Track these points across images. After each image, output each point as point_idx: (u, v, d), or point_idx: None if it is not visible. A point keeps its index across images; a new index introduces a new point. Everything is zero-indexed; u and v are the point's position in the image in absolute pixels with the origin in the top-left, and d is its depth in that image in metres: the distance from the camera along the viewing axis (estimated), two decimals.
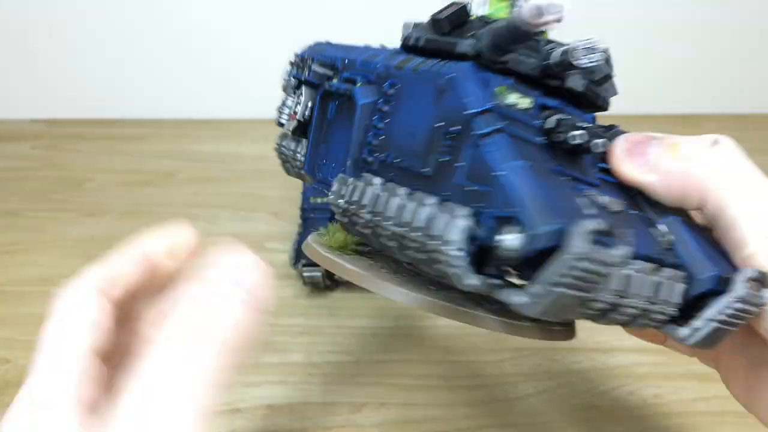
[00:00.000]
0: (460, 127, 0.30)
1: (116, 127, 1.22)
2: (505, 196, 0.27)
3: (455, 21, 0.33)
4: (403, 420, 0.56)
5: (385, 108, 0.34)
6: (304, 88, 0.41)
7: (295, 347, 0.64)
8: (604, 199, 0.31)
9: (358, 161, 0.35)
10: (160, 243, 0.36)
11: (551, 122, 0.32)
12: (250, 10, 1.19)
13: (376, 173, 0.34)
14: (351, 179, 0.34)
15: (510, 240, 0.26)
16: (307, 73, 0.40)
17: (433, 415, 0.57)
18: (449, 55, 0.33)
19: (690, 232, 0.33)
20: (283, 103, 0.43)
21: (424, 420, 0.56)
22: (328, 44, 0.44)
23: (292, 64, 0.44)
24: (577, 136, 0.30)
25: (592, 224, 0.25)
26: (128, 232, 0.36)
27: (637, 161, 0.33)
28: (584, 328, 0.67)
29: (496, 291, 0.28)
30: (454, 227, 0.28)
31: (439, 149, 0.30)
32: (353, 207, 0.33)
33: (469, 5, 0.35)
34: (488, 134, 0.29)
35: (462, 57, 0.32)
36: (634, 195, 0.34)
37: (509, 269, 0.28)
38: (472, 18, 0.35)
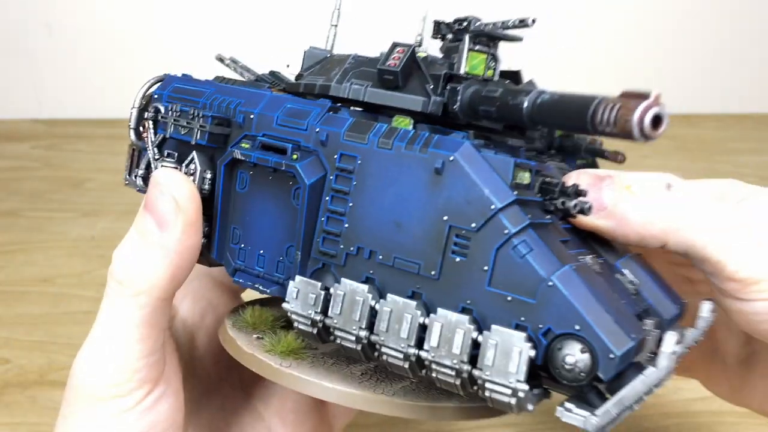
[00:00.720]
0: (478, 223, 0.26)
1: (116, 127, 1.21)
2: (562, 310, 0.25)
3: (408, 73, 0.30)
4: (403, 420, 0.56)
5: (343, 187, 0.29)
6: (196, 154, 0.33)
7: None
8: (586, 260, 0.29)
9: (311, 253, 0.30)
10: None
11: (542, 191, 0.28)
12: (250, 11, 1.19)
13: (342, 269, 0.29)
14: (319, 284, 0.29)
15: (582, 361, 0.24)
16: (198, 134, 0.32)
17: None
18: (400, 110, 0.30)
19: (644, 270, 0.31)
20: (150, 167, 0.34)
21: (424, 420, 0.56)
22: (190, 81, 0.36)
23: (148, 112, 0.35)
24: (578, 204, 0.28)
25: (677, 339, 0.25)
26: (128, 233, 0.36)
27: (594, 207, 0.30)
28: None
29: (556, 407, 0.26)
30: (517, 359, 0.25)
31: (449, 248, 0.27)
32: (333, 320, 0.29)
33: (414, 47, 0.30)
34: (519, 232, 0.26)
35: (419, 115, 0.29)
36: (585, 236, 0.31)
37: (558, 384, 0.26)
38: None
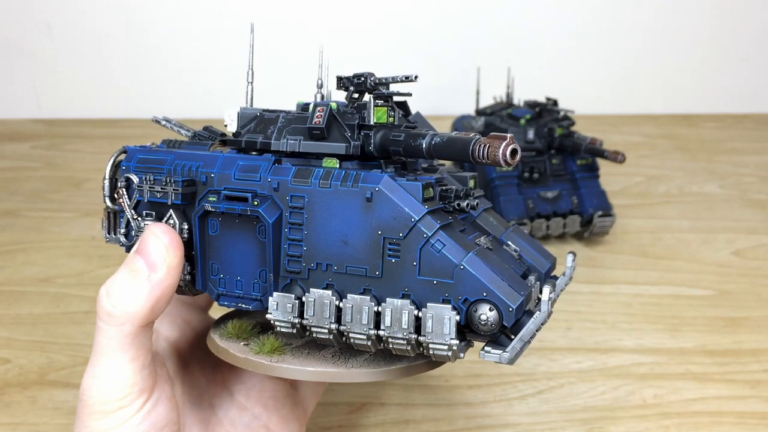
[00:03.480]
0: (404, 233, 0.35)
1: (116, 127, 1.22)
2: (472, 284, 0.34)
3: (330, 126, 0.38)
4: (403, 420, 0.56)
5: (297, 220, 0.37)
6: (172, 211, 0.40)
7: None
8: (481, 240, 0.39)
9: (281, 273, 0.38)
10: None
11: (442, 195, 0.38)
12: (250, 12, 1.19)
13: (306, 281, 0.38)
14: (292, 296, 0.37)
15: (492, 317, 0.34)
16: (173, 196, 0.40)
17: (433, 415, 0.57)
18: (326, 154, 0.38)
19: (521, 239, 0.42)
20: (129, 225, 0.41)
21: (424, 420, 0.56)
22: (150, 151, 0.42)
23: (120, 181, 0.41)
24: (468, 204, 0.38)
25: (550, 290, 0.35)
26: (117, 271, 0.37)
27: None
28: (584, 328, 0.67)
29: (480, 352, 0.35)
30: (448, 324, 0.34)
31: (386, 253, 0.36)
32: (309, 320, 0.37)
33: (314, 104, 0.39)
34: (434, 234, 0.35)
35: (343, 156, 0.38)
36: (474, 222, 0.41)
37: (477, 335, 0.36)
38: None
